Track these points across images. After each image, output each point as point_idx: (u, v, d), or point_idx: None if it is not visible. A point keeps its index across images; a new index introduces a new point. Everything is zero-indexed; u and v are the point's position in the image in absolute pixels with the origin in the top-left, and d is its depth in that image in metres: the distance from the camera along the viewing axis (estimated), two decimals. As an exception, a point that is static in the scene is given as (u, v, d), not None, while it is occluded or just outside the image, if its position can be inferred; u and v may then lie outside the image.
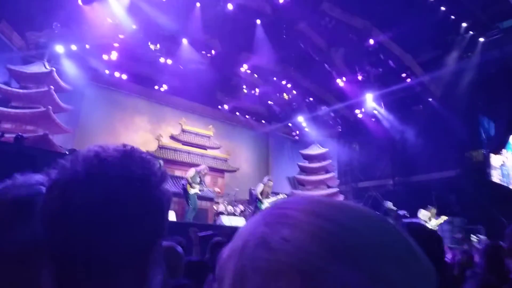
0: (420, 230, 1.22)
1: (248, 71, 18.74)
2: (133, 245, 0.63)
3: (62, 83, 13.10)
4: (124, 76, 16.32)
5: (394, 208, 12.79)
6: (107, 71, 15.50)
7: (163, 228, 0.68)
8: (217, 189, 11.31)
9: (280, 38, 17.14)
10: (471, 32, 16.99)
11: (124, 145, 0.70)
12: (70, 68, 13.86)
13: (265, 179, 10.52)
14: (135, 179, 0.64)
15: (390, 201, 15.28)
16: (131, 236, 0.62)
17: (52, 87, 12.53)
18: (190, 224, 6.90)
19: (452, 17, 16.22)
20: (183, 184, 9.07)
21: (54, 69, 12.89)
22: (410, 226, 1.21)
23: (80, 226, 0.60)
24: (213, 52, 16.83)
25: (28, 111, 12.26)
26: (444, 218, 12.16)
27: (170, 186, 14.13)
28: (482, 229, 14.73)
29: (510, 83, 18.50)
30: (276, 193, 11.51)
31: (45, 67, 12.87)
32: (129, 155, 0.67)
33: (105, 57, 15.09)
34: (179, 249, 2.57)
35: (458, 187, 17.67)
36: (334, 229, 0.38)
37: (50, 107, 12.34)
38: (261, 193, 10.03)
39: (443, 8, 15.72)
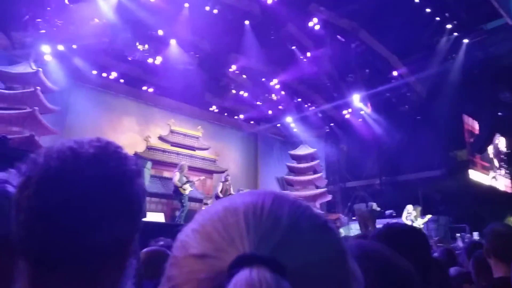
0: (402, 230, 1.26)
1: (237, 72, 18.73)
2: (111, 242, 0.63)
3: (48, 84, 12.91)
4: (112, 77, 16.18)
5: (378, 208, 12.97)
6: (94, 72, 15.34)
7: (139, 222, 0.69)
8: (202, 177, 11.55)
9: (269, 39, 17.19)
10: (455, 34, 17.24)
11: (99, 140, 0.69)
12: (56, 68, 13.68)
13: (222, 177, 11.55)
14: (110, 175, 0.64)
15: (377, 200, 15.42)
16: (109, 233, 0.62)
17: (38, 87, 12.35)
18: (182, 226, 6.90)
19: (437, 18, 16.45)
20: (174, 187, 9.10)
21: (40, 69, 12.70)
22: (392, 227, 1.24)
23: (57, 225, 0.59)
24: (201, 53, 16.79)
25: (13, 112, 12.07)
26: (428, 216, 12.42)
27: (158, 187, 14.10)
28: (467, 227, 14.98)
29: (493, 84, 18.87)
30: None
31: (31, 68, 12.67)
32: (104, 150, 0.67)
33: (92, 57, 14.95)
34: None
35: (443, 186, 17.96)
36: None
37: (36, 108, 12.16)
38: (221, 191, 10.98)
39: (428, 10, 15.95)
